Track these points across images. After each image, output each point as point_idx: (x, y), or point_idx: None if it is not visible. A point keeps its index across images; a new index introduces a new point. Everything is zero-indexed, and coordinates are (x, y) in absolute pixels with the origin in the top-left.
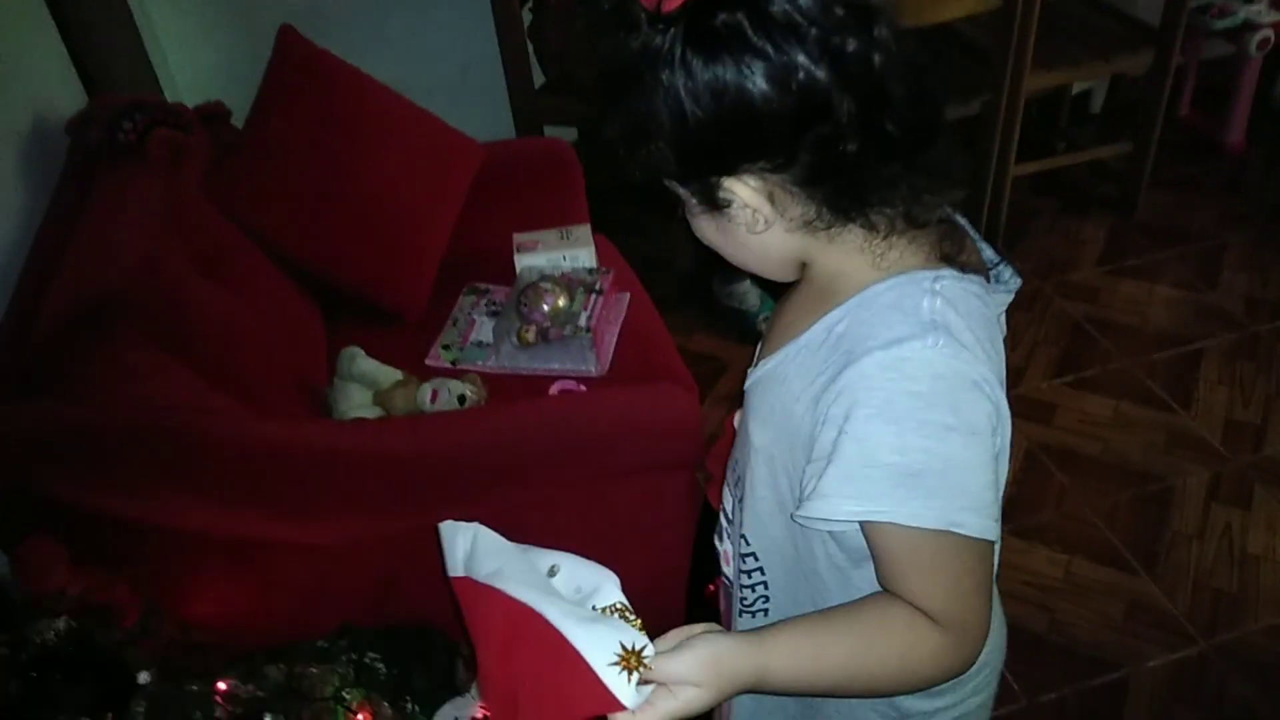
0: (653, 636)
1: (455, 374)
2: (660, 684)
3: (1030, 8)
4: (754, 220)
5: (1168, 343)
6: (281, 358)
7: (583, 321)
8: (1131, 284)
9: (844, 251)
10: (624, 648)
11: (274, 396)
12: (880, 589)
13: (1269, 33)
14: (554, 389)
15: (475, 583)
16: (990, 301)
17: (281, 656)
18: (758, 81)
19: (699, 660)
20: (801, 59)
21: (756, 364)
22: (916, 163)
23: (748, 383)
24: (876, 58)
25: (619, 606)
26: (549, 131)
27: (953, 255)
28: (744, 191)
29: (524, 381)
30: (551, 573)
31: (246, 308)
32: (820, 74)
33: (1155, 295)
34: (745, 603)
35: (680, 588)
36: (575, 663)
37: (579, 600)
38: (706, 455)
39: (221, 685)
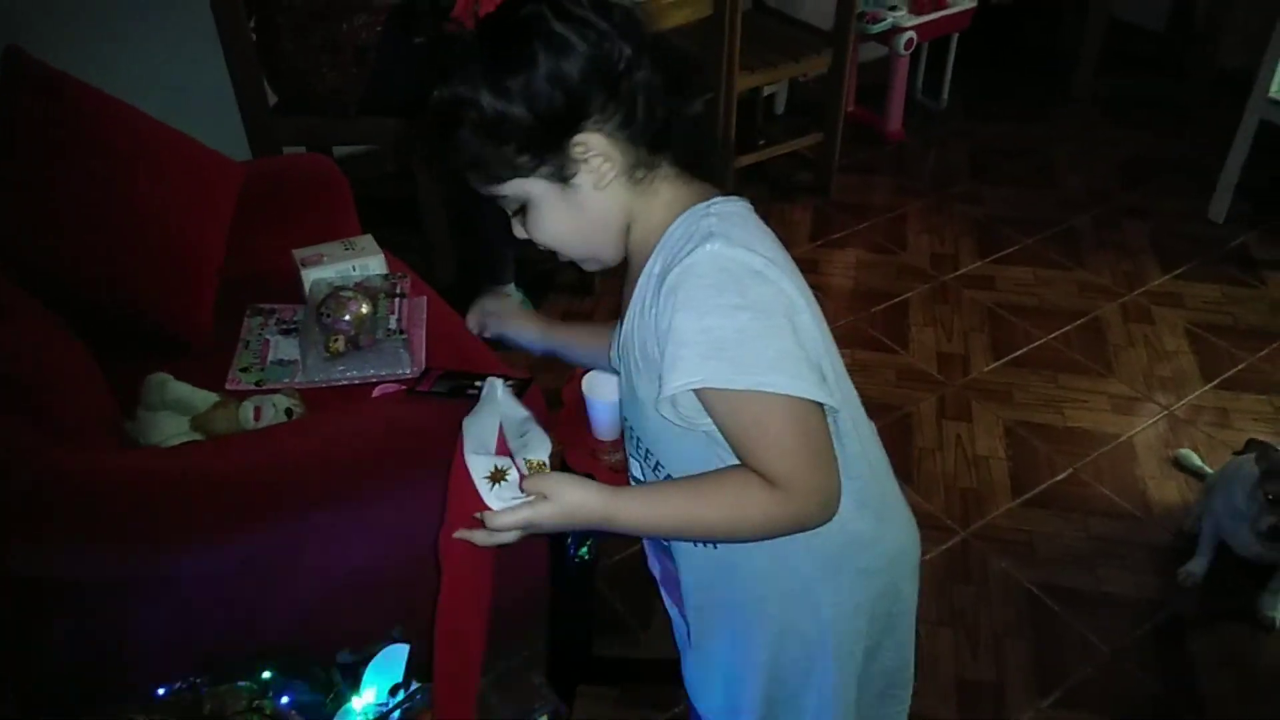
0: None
1: (268, 392)
2: (527, 496)
3: (735, 18)
4: (603, 171)
5: (880, 298)
6: (76, 394)
7: (393, 324)
8: (840, 253)
9: (655, 204)
10: (495, 468)
11: (85, 433)
12: None
13: (913, 34)
14: (376, 393)
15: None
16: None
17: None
18: (586, 50)
19: (556, 481)
20: (608, 30)
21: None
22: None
23: (612, 354)
24: (649, 31)
25: (536, 463)
26: (287, 151)
27: (719, 190)
28: (594, 139)
29: (338, 392)
30: (522, 431)
31: (27, 346)
32: (623, 44)
33: (861, 260)
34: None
35: (542, 556)
36: (467, 478)
37: (517, 450)
38: (555, 429)
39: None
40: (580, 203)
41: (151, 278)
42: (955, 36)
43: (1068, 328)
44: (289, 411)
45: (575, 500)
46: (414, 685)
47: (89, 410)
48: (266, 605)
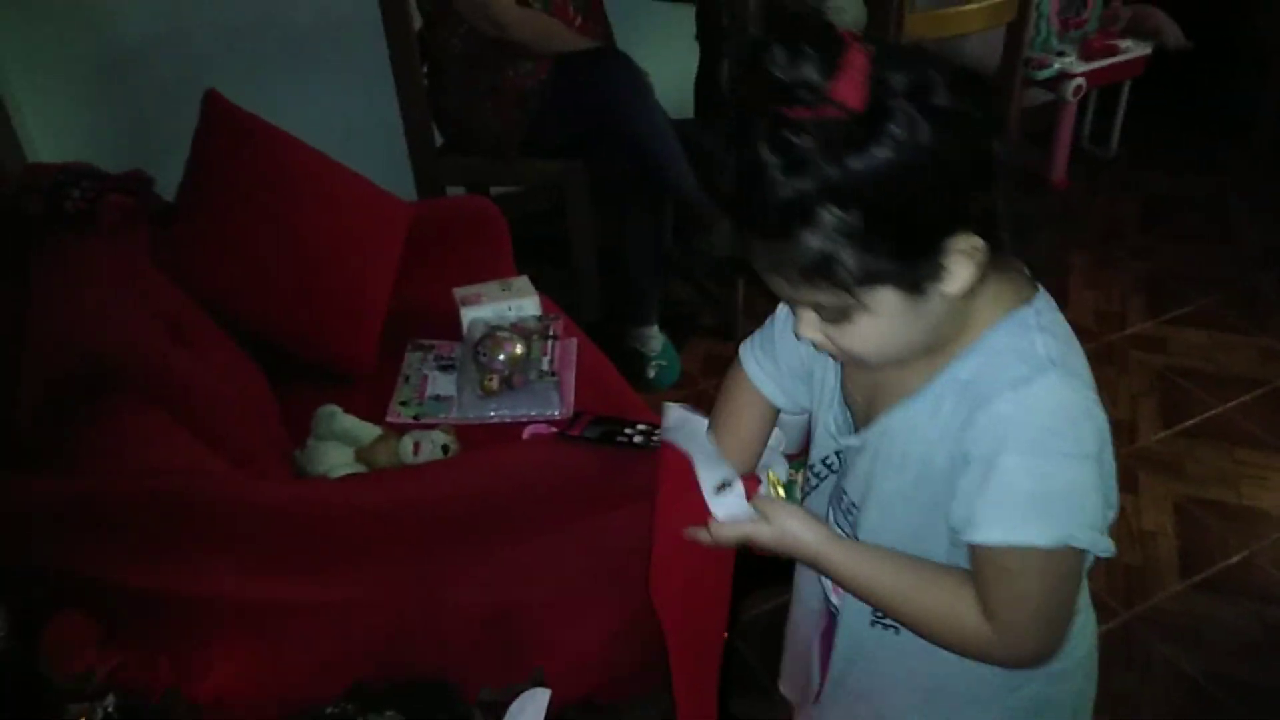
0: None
1: (425, 427)
2: (750, 512)
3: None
4: (965, 277)
5: None
6: (253, 421)
7: (545, 366)
8: None
9: (978, 302)
10: (723, 480)
11: (260, 460)
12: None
13: (1082, 80)
14: (526, 433)
15: (670, 444)
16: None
17: None
18: (973, 138)
19: (786, 510)
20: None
21: (858, 427)
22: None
23: (856, 440)
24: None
25: (775, 480)
26: (449, 191)
27: (1033, 279)
28: (974, 241)
29: (490, 430)
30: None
31: (213, 372)
32: (994, 125)
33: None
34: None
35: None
36: (695, 487)
37: (761, 467)
38: None
39: None
40: (926, 311)
41: (322, 314)
42: (1127, 83)
43: (1246, 397)
44: (445, 448)
45: (793, 531)
46: None
47: (264, 438)
48: (414, 637)
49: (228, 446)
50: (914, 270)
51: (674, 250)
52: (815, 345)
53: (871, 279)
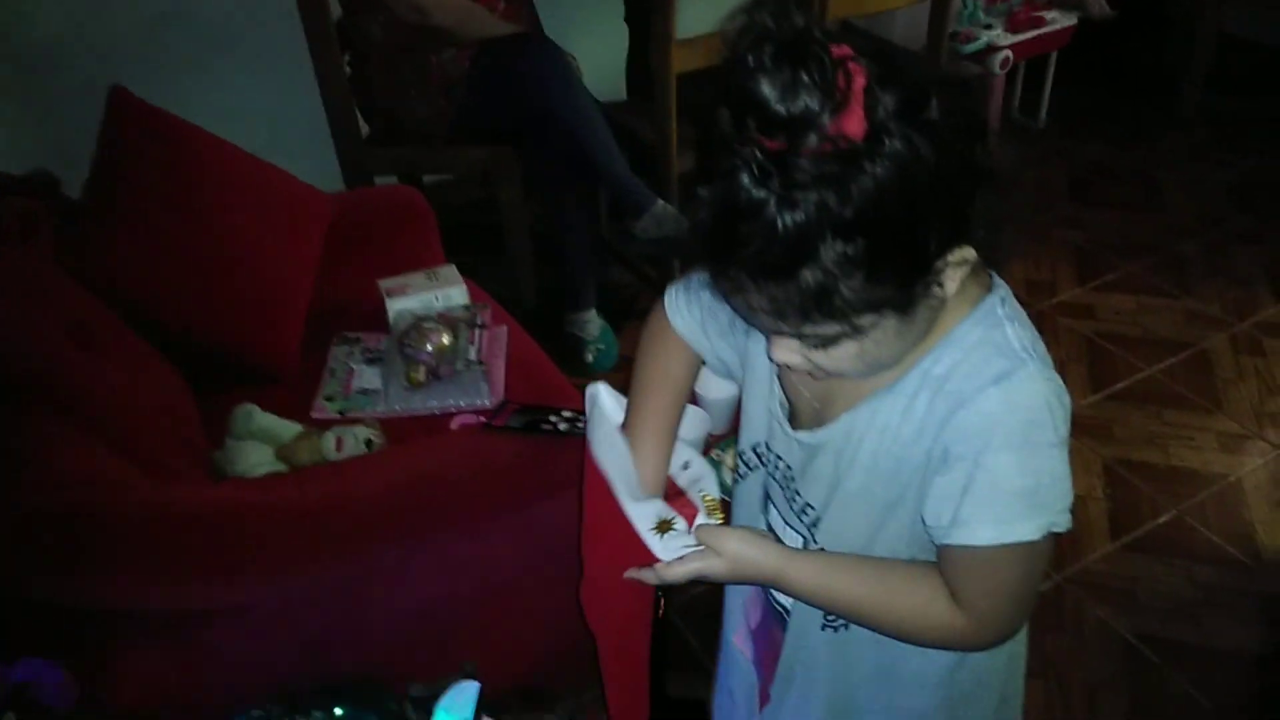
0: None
1: (348, 423)
2: (696, 547)
3: None
4: (951, 286)
5: None
6: (164, 425)
7: (472, 355)
8: None
9: (951, 300)
10: (659, 518)
11: (170, 463)
12: None
13: (1009, 53)
14: (455, 424)
15: (591, 455)
16: None
17: None
18: (971, 155)
19: (733, 537)
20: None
21: (824, 420)
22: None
23: (812, 438)
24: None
25: (713, 499)
26: (376, 182)
27: (984, 264)
28: (958, 255)
29: (419, 422)
30: (685, 466)
31: (121, 377)
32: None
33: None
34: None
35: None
36: (629, 527)
37: (691, 488)
38: None
39: None
40: (914, 323)
41: (241, 312)
42: (1054, 55)
43: (1172, 360)
44: (369, 442)
45: (749, 558)
46: None
47: (177, 441)
48: (340, 636)
49: (138, 453)
50: (911, 291)
51: (610, 234)
52: (789, 366)
53: (870, 307)
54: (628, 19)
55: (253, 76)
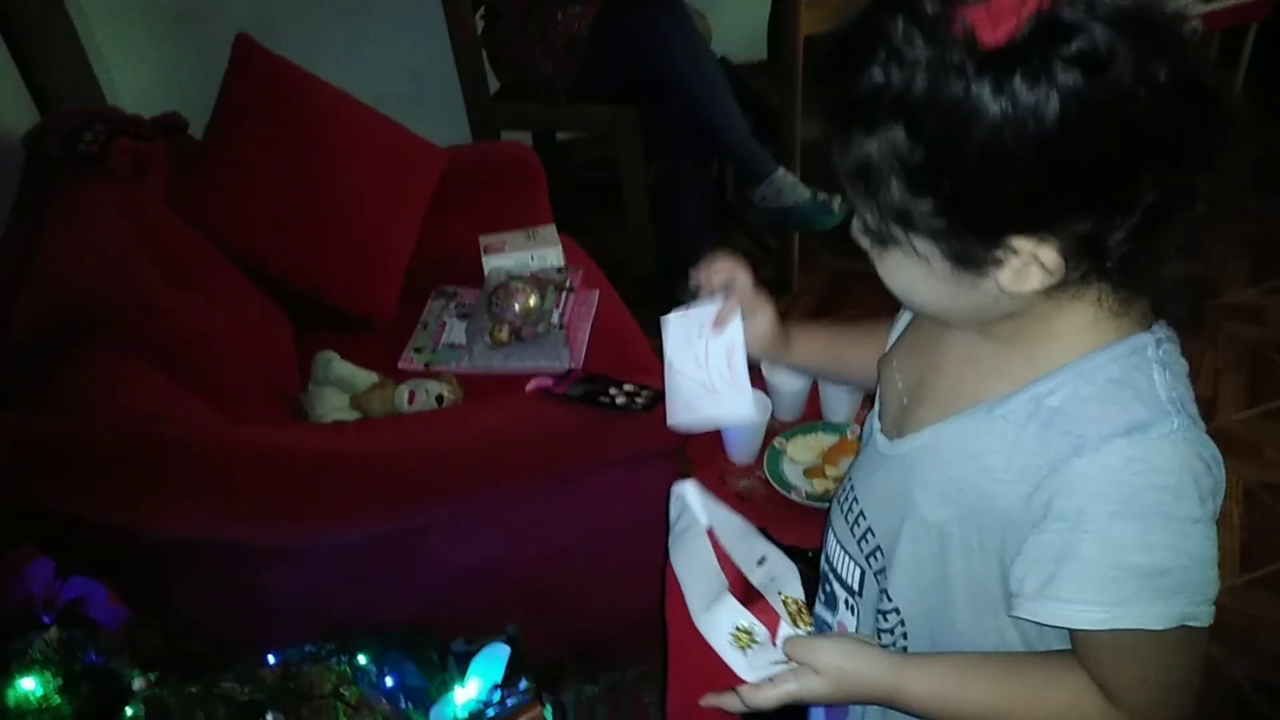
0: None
1: (430, 375)
2: (787, 665)
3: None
4: (1023, 282)
5: None
6: (254, 365)
7: (555, 319)
8: None
9: (1069, 314)
10: (738, 628)
11: (250, 403)
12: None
13: (1198, 23)
14: (530, 386)
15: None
16: None
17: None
18: (1117, 120)
19: (830, 649)
20: (1152, 94)
21: (905, 427)
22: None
23: (887, 447)
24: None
25: (795, 600)
26: (505, 136)
27: (1162, 308)
28: (1046, 254)
29: (497, 381)
30: (760, 561)
31: (216, 316)
32: (1160, 114)
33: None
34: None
35: (656, 578)
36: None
37: (769, 588)
38: (686, 444)
39: (220, 686)
40: (973, 288)
41: (342, 262)
42: (1253, 27)
43: None
44: (440, 399)
45: (854, 674)
46: (512, 688)
47: (266, 381)
48: (392, 586)
49: (221, 391)
50: (960, 242)
51: (733, 201)
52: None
53: (908, 222)
54: None
55: (391, 30)
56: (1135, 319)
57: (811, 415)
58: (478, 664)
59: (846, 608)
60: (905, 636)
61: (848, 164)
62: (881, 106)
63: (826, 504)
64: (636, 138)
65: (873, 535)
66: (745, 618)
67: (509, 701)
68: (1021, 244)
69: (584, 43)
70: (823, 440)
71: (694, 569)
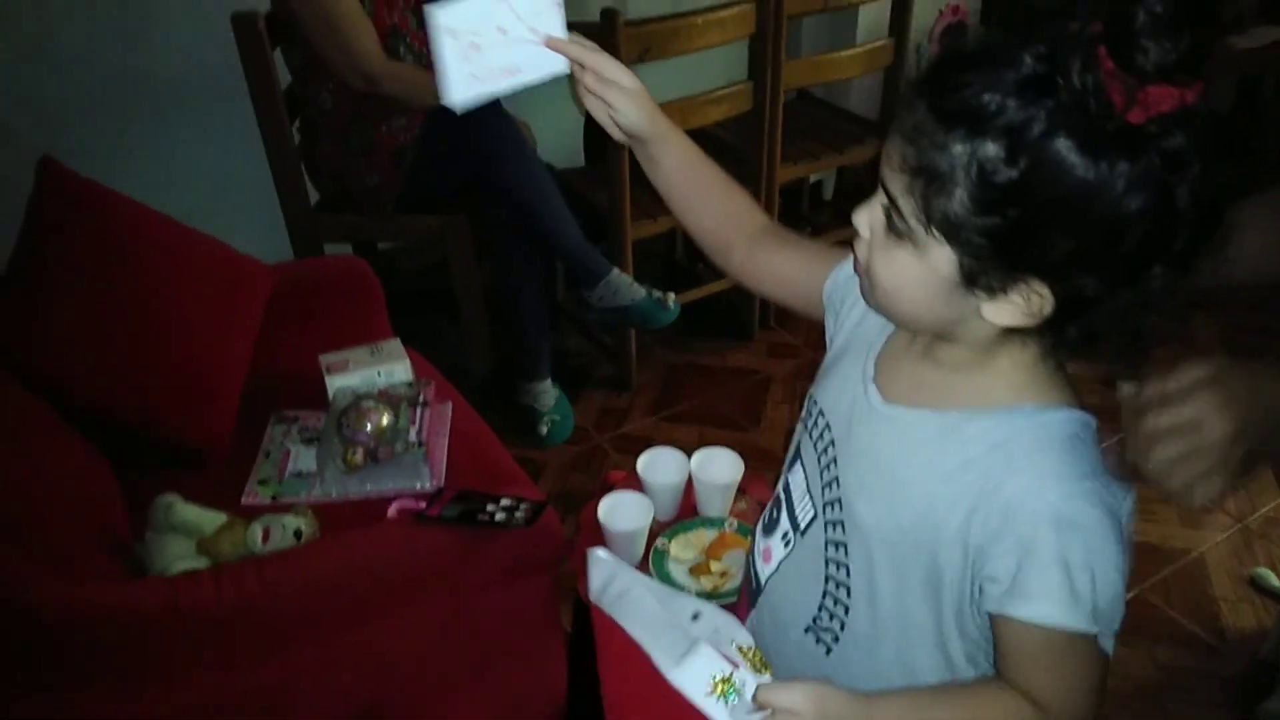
0: None
1: (281, 509)
2: (767, 712)
3: (775, 112)
4: (1004, 318)
5: None
6: (79, 515)
7: (413, 436)
8: None
9: (1015, 359)
10: (714, 679)
11: (83, 561)
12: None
13: None
14: (392, 509)
15: (603, 611)
16: None
17: None
18: (1164, 209)
19: (806, 692)
20: (1194, 199)
21: (868, 376)
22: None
23: (891, 409)
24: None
25: (750, 648)
26: (328, 250)
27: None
28: (1037, 298)
29: (355, 507)
30: (695, 617)
31: (34, 465)
32: (1192, 218)
33: None
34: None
35: (554, 684)
36: (678, 696)
37: (718, 640)
38: (568, 555)
39: None
40: (955, 304)
41: (170, 392)
42: None
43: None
44: (298, 533)
45: (832, 712)
46: None
47: (95, 534)
48: None
49: (46, 549)
50: (985, 265)
51: (567, 301)
52: (855, 247)
53: (950, 231)
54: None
55: (202, 144)
56: (1073, 391)
57: (687, 512)
58: None
59: (783, 540)
60: (849, 595)
61: (919, 155)
62: (994, 120)
63: (718, 602)
64: (469, 243)
65: (837, 485)
66: (723, 665)
67: None
68: (1038, 286)
69: (410, 154)
70: (703, 536)
71: (650, 626)
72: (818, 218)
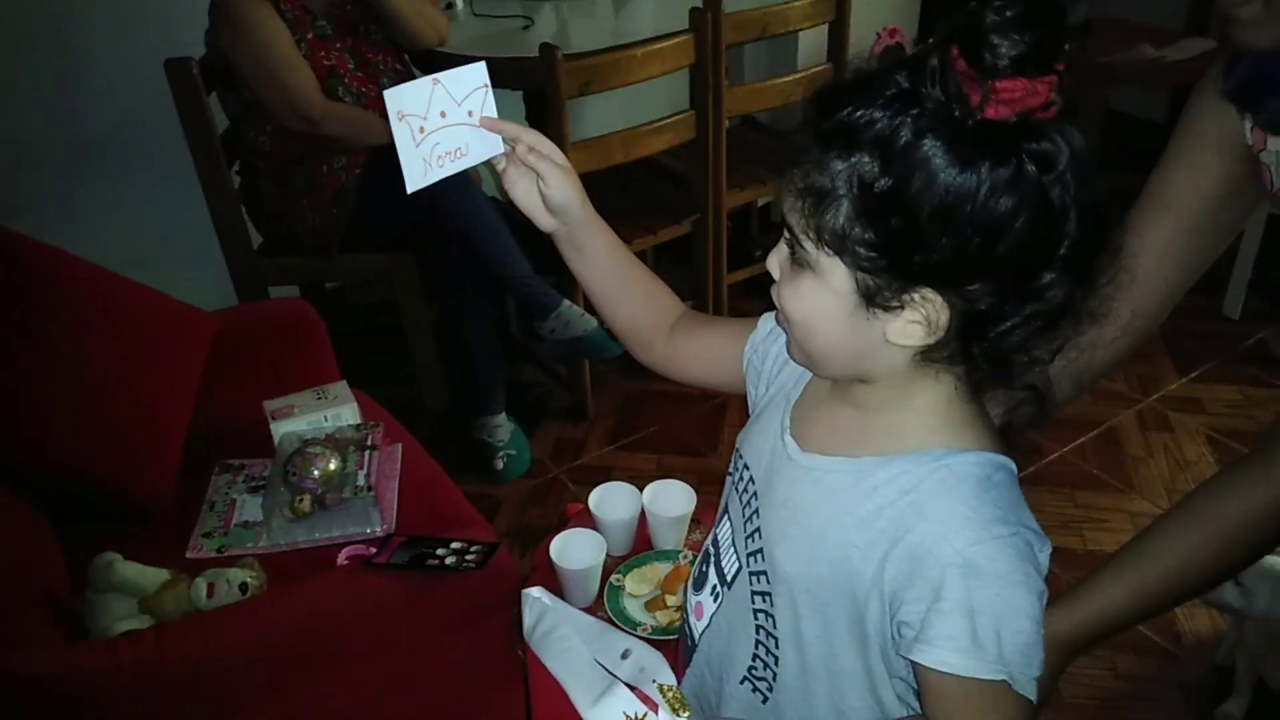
0: None
1: (227, 561)
2: None
3: (719, 139)
4: (908, 334)
5: None
6: (21, 580)
7: (361, 481)
8: None
9: (930, 397)
10: (627, 716)
11: (23, 625)
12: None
13: None
14: (342, 556)
15: (532, 650)
16: None
17: None
18: (1044, 212)
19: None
20: (1071, 202)
21: (784, 432)
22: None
23: (810, 460)
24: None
25: (670, 688)
26: (273, 292)
27: (999, 438)
28: (934, 311)
29: (304, 555)
30: (624, 655)
31: None
32: (1071, 222)
33: None
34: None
35: None
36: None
37: (641, 679)
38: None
39: None
40: (862, 331)
41: (108, 446)
42: None
43: (1083, 439)
44: (244, 586)
45: None
46: None
47: (32, 595)
48: None
49: None
50: (878, 280)
51: (519, 333)
52: (771, 293)
53: (841, 247)
54: (529, 119)
55: (142, 191)
56: (989, 434)
57: (641, 545)
58: None
59: (712, 595)
60: (777, 645)
61: (806, 182)
62: (865, 135)
63: (674, 636)
64: (416, 282)
65: (759, 536)
66: (636, 706)
67: None
68: (930, 296)
69: (353, 194)
70: (658, 570)
71: (570, 665)
72: (767, 240)
